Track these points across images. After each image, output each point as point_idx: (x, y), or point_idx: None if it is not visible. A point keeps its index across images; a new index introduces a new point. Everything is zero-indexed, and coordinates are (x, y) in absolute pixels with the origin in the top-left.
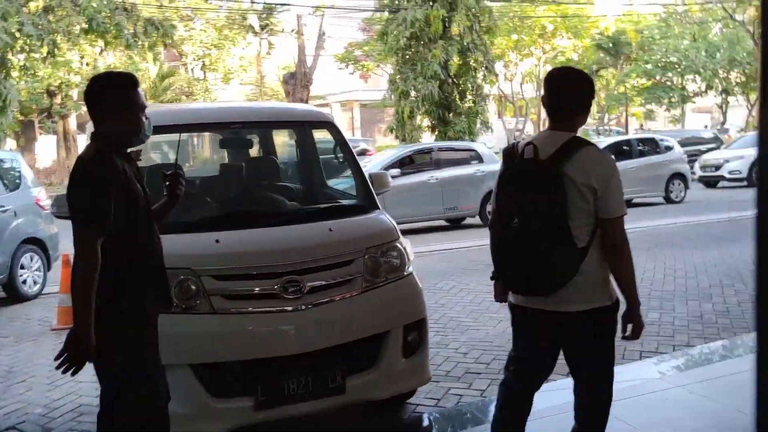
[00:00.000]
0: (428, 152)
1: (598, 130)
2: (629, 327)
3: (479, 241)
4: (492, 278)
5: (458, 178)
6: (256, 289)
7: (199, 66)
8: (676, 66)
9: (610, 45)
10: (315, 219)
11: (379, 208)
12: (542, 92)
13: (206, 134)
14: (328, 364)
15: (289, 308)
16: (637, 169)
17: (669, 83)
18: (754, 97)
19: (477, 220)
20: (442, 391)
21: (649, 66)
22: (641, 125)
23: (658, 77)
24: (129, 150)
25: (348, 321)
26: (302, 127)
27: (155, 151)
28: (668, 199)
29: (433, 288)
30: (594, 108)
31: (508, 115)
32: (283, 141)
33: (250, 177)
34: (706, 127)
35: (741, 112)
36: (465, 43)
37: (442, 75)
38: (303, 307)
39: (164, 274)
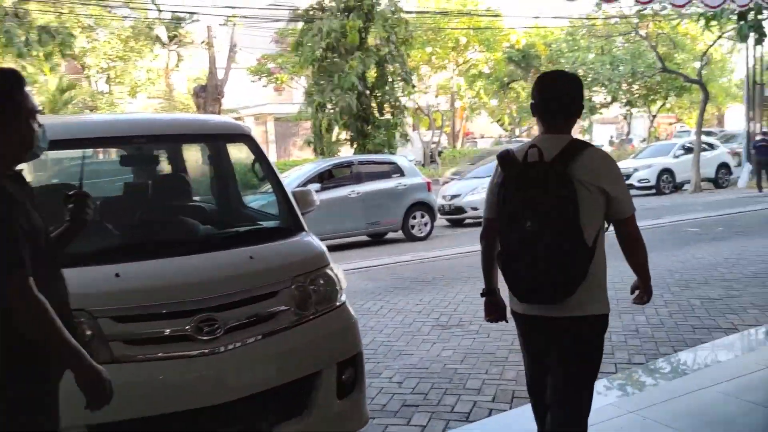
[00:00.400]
0: (348, 166)
1: (511, 141)
2: (638, 292)
3: (404, 257)
4: (483, 295)
5: (380, 192)
6: (165, 330)
7: (104, 79)
8: (584, 78)
9: (521, 58)
10: (233, 245)
11: (305, 230)
12: (531, 97)
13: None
14: (252, 413)
15: (205, 351)
16: None
17: None
18: (654, 108)
19: (400, 234)
20: (378, 429)
21: None
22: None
23: None
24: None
25: (274, 363)
26: (216, 140)
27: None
28: None
29: (360, 309)
30: (506, 120)
31: (423, 127)
32: (196, 156)
33: (157, 198)
34: (611, 137)
35: (644, 123)
36: (382, 55)
37: (360, 87)
38: (221, 349)
39: (72, 322)
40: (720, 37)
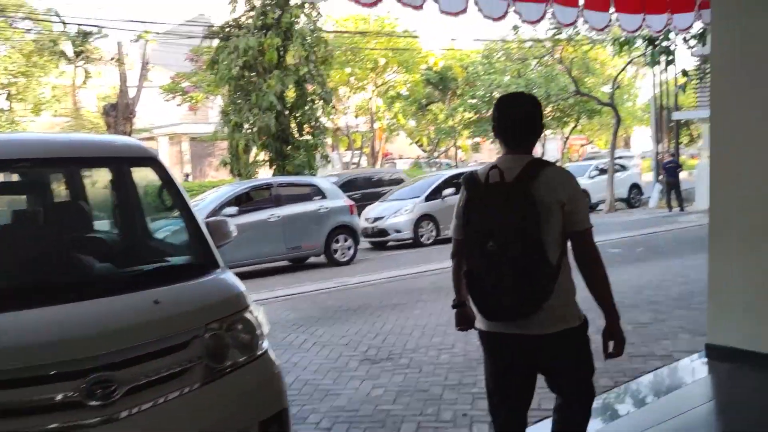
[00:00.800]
0: (267, 188)
1: (430, 162)
2: (611, 344)
3: (327, 283)
4: (454, 306)
5: (300, 216)
6: (50, 397)
7: (4, 96)
8: None
9: (438, 80)
10: (136, 287)
11: (220, 266)
12: (492, 119)
13: None
14: None
15: (99, 419)
16: None
17: None
18: (567, 129)
19: (322, 259)
20: None
21: (474, 101)
22: (461, 159)
23: (483, 111)
24: None
25: (185, 427)
26: (118, 164)
27: None
28: None
29: (282, 343)
30: (424, 141)
31: (342, 148)
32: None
33: (48, 230)
34: None
35: (556, 144)
36: (301, 74)
37: (279, 106)
38: (120, 415)
39: None
40: (630, 62)
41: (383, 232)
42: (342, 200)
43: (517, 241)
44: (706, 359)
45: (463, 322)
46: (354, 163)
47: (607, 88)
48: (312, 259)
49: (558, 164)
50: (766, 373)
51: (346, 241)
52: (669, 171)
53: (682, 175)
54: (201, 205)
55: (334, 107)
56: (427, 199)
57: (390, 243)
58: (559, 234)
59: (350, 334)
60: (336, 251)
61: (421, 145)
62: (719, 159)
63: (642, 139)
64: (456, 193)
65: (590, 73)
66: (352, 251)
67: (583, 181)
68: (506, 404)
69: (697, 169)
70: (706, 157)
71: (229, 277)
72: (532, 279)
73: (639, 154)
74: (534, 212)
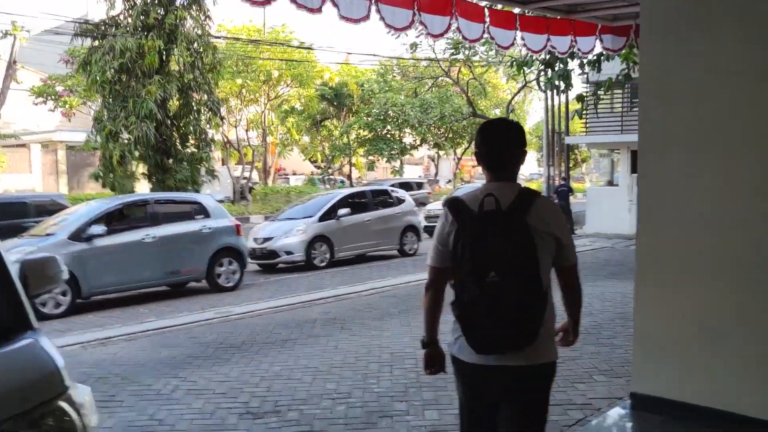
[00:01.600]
0: (143, 205)
1: (324, 179)
2: (563, 336)
3: (207, 313)
4: (425, 345)
5: (180, 236)
6: None
7: None
8: (395, 120)
9: (333, 96)
10: None
11: (33, 328)
12: (476, 146)
13: None
14: None
15: None
16: (374, 222)
17: (389, 135)
18: (459, 150)
19: (204, 284)
20: None
21: (370, 119)
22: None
23: (378, 130)
24: None
25: None
26: None
27: None
28: (402, 252)
29: (147, 392)
30: (319, 157)
31: (233, 162)
32: None
33: None
34: (419, 177)
35: (449, 164)
36: (186, 81)
37: (160, 115)
38: None
39: None
40: (525, 85)
41: (273, 254)
42: (228, 220)
43: (517, 273)
44: (632, 410)
45: (435, 363)
46: (245, 178)
47: (498, 111)
48: (194, 284)
49: (451, 183)
50: (698, 426)
51: (231, 264)
52: (561, 195)
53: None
54: (66, 222)
55: (222, 118)
56: (322, 219)
57: (280, 265)
58: (548, 263)
59: (231, 378)
60: (220, 276)
61: (314, 162)
62: (648, 193)
63: (529, 163)
64: (353, 213)
65: (483, 96)
66: (237, 276)
67: None
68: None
69: (588, 193)
70: (591, 181)
71: (42, 346)
72: (531, 311)
73: (527, 176)
74: (532, 242)
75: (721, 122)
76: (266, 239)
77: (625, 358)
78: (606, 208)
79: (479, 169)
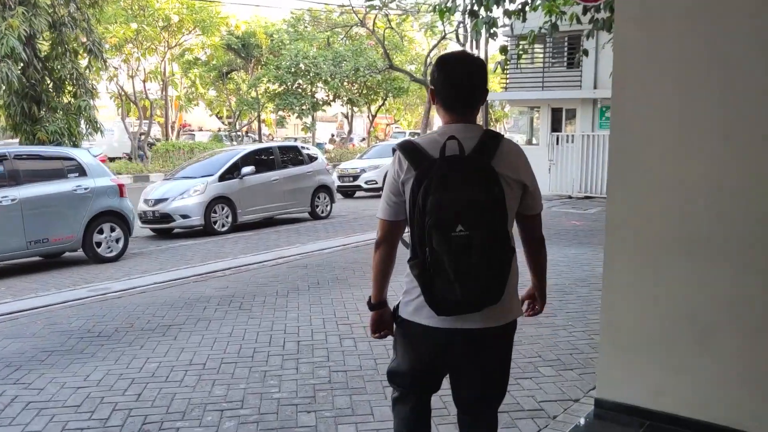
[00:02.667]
0: None
1: (231, 135)
2: (531, 306)
3: (79, 291)
4: (374, 307)
5: (47, 199)
6: None
7: None
8: (306, 73)
9: (240, 46)
10: None
11: None
12: (434, 82)
13: None
14: None
15: None
16: (282, 182)
17: (300, 90)
18: (374, 108)
19: (80, 253)
20: None
21: (279, 71)
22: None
23: (289, 83)
24: None
25: None
26: None
27: None
28: (314, 214)
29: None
30: (225, 113)
31: (133, 117)
32: None
33: None
34: (332, 135)
35: (363, 122)
36: (59, 16)
37: (26, 54)
38: None
39: None
40: (444, 37)
41: (167, 218)
42: (108, 179)
43: (486, 225)
44: (595, 421)
45: (384, 326)
46: (143, 133)
47: (413, 67)
48: (70, 254)
49: (365, 141)
50: None
51: (113, 231)
52: None
53: None
54: None
55: (105, 61)
56: (222, 178)
57: (177, 230)
58: (513, 216)
59: (90, 383)
60: (99, 244)
61: (221, 117)
62: (621, 147)
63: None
64: (258, 171)
65: (399, 50)
66: (121, 244)
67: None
68: (420, 402)
69: None
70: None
71: None
72: (501, 268)
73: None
74: (501, 191)
75: (721, 46)
76: (159, 201)
77: (574, 346)
78: None
79: (393, 127)
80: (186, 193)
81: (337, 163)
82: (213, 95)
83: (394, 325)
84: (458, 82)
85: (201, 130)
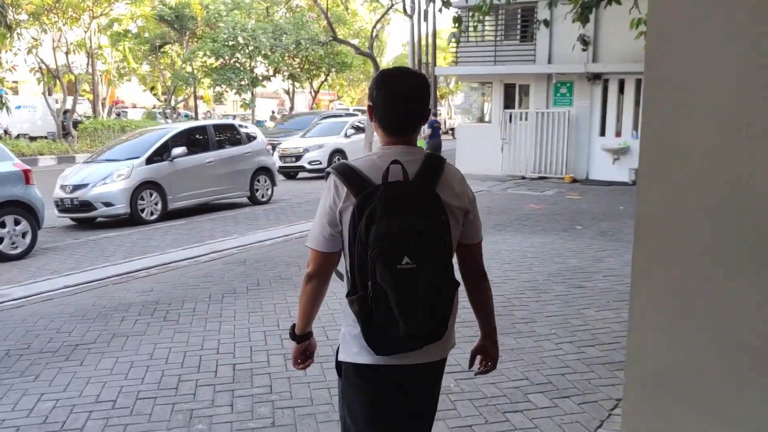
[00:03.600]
0: None
1: (165, 113)
2: (483, 362)
3: None
4: (300, 339)
5: None
6: None
7: None
8: (244, 47)
9: (174, 18)
10: None
11: None
12: (374, 99)
13: None
14: None
15: None
16: (218, 164)
17: (238, 65)
18: (316, 83)
19: None
20: None
21: (216, 44)
22: (207, 111)
23: (227, 57)
24: None
25: None
26: None
27: None
28: (254, 199)
29: None
30: (159, 89)
31: (59, 92)
32: None
33: None
34: (273, 112)
35: (305, 99)
36: None
37: None
38: None
39: None
40: (391, 7)
41: (87, 206)
42: (11, 163)
43: (434, 256)
44: None
45: (306, 358)
46: (67, 111)
47: (357, 41)
48: None
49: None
50: None
51: (17, 224)
52: (435, 131)
53: None
54: None
55: (10, 28)
56: (150, 160)
57: (100, 220)
58: (455, 247)
59: None
60: (2, 240)
61: (156, 94)
62: (656, 130)
63: None
64: (191, 152)
65: (341, 22)
66: (28, 239)
67: (340, 140)
68: None
69: (458, 131)
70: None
71: None
72: (446, 301)
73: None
74: (447, 220)
75: None
76: (78, 187)
77: (564, 363)
78: (477, 147)
79: (336, 103)
80: (109, 178)
81: (278, 141)
82: (146, 70)
83: (339, 381)
84: (400, 102)
85: (135, 107)
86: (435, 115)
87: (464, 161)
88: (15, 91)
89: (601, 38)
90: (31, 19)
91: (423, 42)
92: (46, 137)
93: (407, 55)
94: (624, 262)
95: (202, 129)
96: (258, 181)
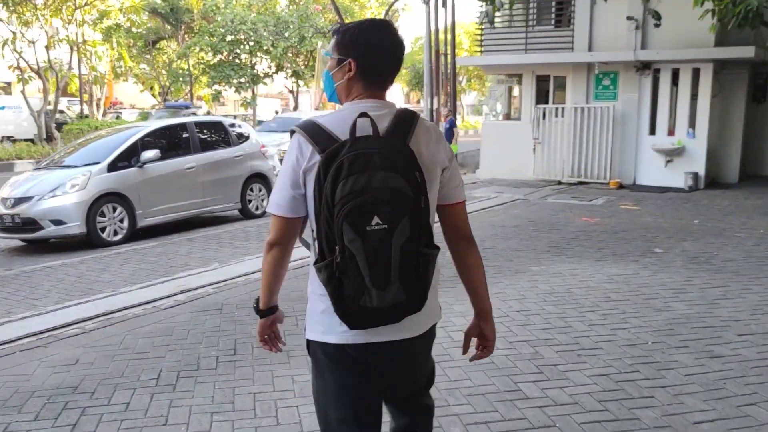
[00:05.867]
0: None
1: (159, 112)
2: (479, 345)
3: None
4: (263, 315)
5: None
6: None
7: None
8: (244, 43)
9: (169, 11)
10: None
11: None
12: (352, 49)
13: None
14: None
15: None
16: (201, 170)
17: (238, 61)
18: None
19: None
20: None
21: (214, 39)
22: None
23: (225, 53)
24: None
25: None
26: None
27: None
28: (246, 212)
29: None
30: (156, 88)
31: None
32: None
33: None
34: (276, 112)
35: (310, 99)
36: None
37: None
38: None
39: None
40: None
41: (32, 225)
42: None
43: (408, 216)
44: None
45: (275, 336)
46: (50, 111)
47: None
48: None
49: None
50: None
51: None
52: (449, 132)
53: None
54: None
55: None
56: (114, 166)
57: (52, 240)
58: (434, 206)
59: None
60: None
61: (154, 94)
62: None
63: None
64: (166, 156)
65: (349, 14)
66: None
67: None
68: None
69: (482, 129)
70: (489, 114)
71: None
72: (425, 266)
73: None
74: (422, 176)
75: None
76: (20, 201)
77: None
78: (504, 148)
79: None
80: (60, 189)
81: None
82: (144, 69)
83: (309, 362)
84: (387, 53)
85: (133, 107)
86: (453, 114)
87: (490, 164)
88: (6, 92)
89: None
90: (4, 7)
91: (441, 33)
92: (32, 140)
93: (422, 48)
94: (750, 306)
95: (181, 127)
96: (251, 190)
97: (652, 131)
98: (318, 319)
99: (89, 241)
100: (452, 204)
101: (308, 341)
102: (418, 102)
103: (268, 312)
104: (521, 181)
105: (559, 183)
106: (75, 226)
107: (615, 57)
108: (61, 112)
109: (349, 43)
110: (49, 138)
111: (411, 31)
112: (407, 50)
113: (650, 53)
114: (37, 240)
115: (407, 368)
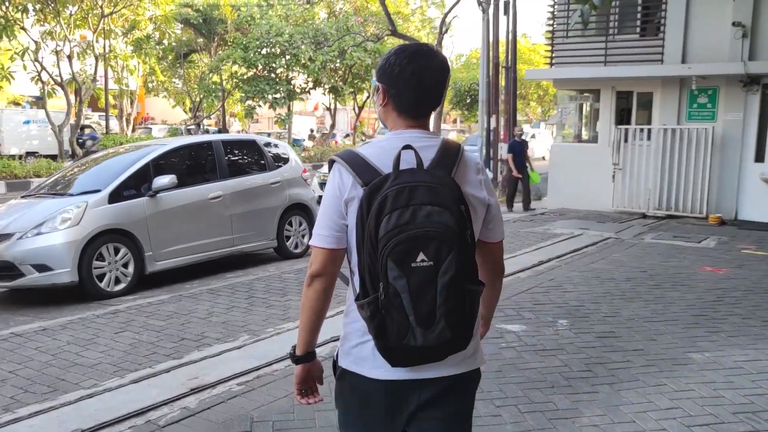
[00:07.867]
0: None
1: (190, 130)
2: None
3: None
4: (299, 361)
5: None
6: None
7: None
8: (281, 56)
9: (201, 22)
10: None
11: None
12: (390, 76)
13: None
14: None
15: None
16: (229, 200)
17: (274, 75)
18: (361, 99)
19: None
20: None
21: (248, 53)
22: (241, 129)
23: (260, 66)
24: None
25: None
26: None
27: None
28: (283, 251)
29: None
30: (187, 103)
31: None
32: None
33: None
34: (312, 131)
35: (347, 116)
36: None
37: None
38: None
39: None
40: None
41: (10, 270)
42: None
43: (453, 254)
44: None
45: (312, 382)
46: (84, 126)
47: (424, 33)
48: None
49: (348, 138)
50: None
51: None
52: (515, 149)
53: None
54: None
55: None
56: (116, 196)
57: (39, 286)
58: (476, 243)
59: None
60: None
61: (185, 109)
62: None
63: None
64: (185, 183)
65: (399, 15)
66: None
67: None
68: None
69: (552, 152)
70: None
71: None
72: (470, 304)
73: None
74: (468, 213)
75: None
76: None
77: None
78: (577, 174)
79: (382, 124)
80: (47, 225)
81: (318, 164)
82: (178, 85)
83: (334, 385)
84: (427, 80)
85: (165, 123)
86: (520, 136)
87: (560, 191)
88: (39, 106)
89: (764, 26)
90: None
91: (508, 39)
92: (56, 156)
93: (478, 57)
94: None
95: (205, 147)
96: (290, 224)
97: (760, 158)
98: (351, 349)
99: (82, 292)
100: (494, 243)
101: (340, 368)
102: (455, 122)
103: (306, 358)
104: (597, 212)
105: (644, 216)
106: (64, 273)
107: (719, 69)
108: (89, 127)
109: (380, 70)
110: (73, 154)
111: (465, 43)
112: (458, 64)
113: (764, 65)
114: (18, 288)
115: (445, 409)
